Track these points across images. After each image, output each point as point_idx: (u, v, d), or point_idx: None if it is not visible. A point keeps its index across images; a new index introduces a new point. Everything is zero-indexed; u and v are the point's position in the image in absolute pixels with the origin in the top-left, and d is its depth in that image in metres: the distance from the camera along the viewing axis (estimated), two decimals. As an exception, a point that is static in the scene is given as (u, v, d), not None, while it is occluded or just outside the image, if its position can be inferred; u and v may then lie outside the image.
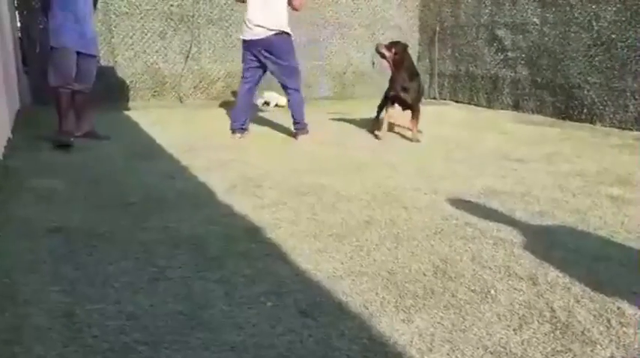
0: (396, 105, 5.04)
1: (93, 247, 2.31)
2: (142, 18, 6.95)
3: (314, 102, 7.66)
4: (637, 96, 5.61)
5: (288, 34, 4.71)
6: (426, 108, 7.58)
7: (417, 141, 4.78)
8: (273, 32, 4.64)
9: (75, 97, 4.56)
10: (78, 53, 4.49)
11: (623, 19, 5.66)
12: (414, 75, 4.90)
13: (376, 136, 4.98)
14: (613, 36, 5.78)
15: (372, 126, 5.20)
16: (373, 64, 8.50)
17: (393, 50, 4.80)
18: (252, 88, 4.96)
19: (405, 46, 4.91)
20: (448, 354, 1.56)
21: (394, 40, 5.32)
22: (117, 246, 2.33)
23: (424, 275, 2.10)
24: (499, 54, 7.20)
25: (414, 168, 3.88)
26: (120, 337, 1.61)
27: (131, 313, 1.75)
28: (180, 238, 2.43)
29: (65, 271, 2.07)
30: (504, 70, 7.14)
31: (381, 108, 5.17)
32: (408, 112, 5.03)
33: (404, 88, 4.84)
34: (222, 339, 1.61)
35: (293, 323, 1.71)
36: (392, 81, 4.94)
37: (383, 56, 4.88)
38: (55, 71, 4.50)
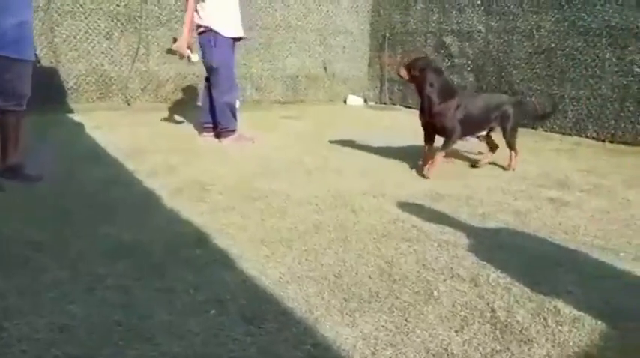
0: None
1: (26, 257, 2.18)
2: (86, 17, 6.69)
3: (266, 106, 7.62)
4: (575, 103, 5.87)
5: (213, 31, 4.57)
6: (377, 113, 7.71)
7: (429, 176, 3.78)
8: (200, 30, 4.65)
9: (2, 119, 3.20)
10: None
11: (562, 29, 5.92)
12: (448, 94, 3.86)
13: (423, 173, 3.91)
14: (552, 45, 6.04)
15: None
16: (325, 68, 8.54)
17: (412, 71, 3.88)
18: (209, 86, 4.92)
19: (426, 64, 3.91)
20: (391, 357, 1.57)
21: (417, 56, 4.56)
22: (53, 255, 2.22)
23: (370, 278, 2.11)
24: (446, 60, 7.38)
25: (361, 172, 3.91)
26: (51, 350, 1.53)
27: (64, 325, 1.67)
28: (121, 246, 2.34)
29: (-6, 282, 1.95)
30: (452, 75, 7.30)
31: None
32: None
33: (433, 113, 3.84)
34: (161, 350, 1.56)
35: (236, 331, 1.67)
36: (420, 104, 4.02)
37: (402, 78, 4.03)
38: None
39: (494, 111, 4.01)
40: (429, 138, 4.03)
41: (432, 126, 3.95)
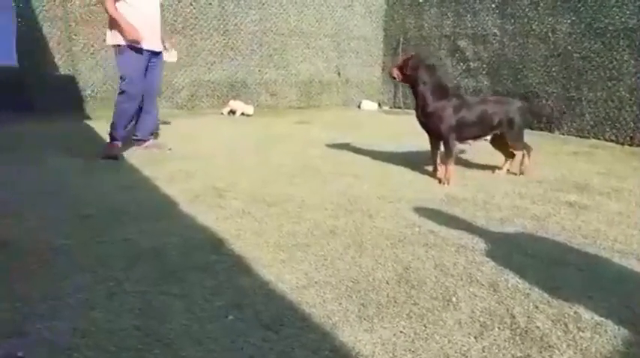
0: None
1: (46, 262, 2.22)
2: (103, 26, 6.77)
3: (280, 112, 7.65)
4: (592, 106, 5.81)
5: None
6: (391, 118, 7.70)
7: (447, 183, 3.69)
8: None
9: None
10: None
11: (578, 31, 5.87)
12: (442, 93, 3.76)
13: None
14: (569, 47, 5.98)
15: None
16: (339, 73, 8.56)
17: (405, 70, 3.74)
18: None
19: (419, 60, 3.81)
20: (410, 363, 1.56)
21: (413, 53, 4.36)
22: (72, 260, 2.25)
23: (387, 283, 2.10)
24: (461, 64, 7.35)
25: (377, 176, 3.90)
26: (73, 356, 1.55)
27: (85, 330, 1.69)
28: (139, 251, 2.36)
29: (16, 287, 1.98)
30: (466, 79, 7.29)
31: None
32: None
33: (426, 112, 3.77)
34: (180, 355, 1.57)
35: (254, 336, 1.67)
36: (415, 104, 3.91)
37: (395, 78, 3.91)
38: None
39: (497, 116, 3.83)
40: (432, 143, 3.94)
41: (426, 127, 3.87)
